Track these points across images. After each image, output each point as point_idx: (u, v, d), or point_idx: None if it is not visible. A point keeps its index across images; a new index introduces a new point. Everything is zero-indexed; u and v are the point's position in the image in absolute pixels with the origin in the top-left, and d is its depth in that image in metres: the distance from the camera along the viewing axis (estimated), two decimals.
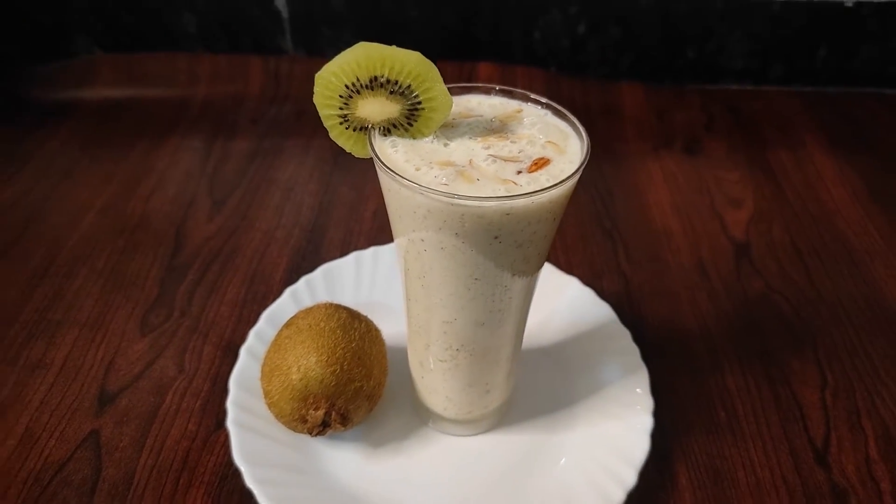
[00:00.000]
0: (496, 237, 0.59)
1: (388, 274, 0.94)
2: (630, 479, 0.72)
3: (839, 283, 1.00)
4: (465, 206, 0.56)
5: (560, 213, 0.64)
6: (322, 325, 0.75)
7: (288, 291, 0.90)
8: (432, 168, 0.59)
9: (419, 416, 0.81)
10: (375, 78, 0.59)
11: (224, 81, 1.38)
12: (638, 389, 0.80)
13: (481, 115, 0.67)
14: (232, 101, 1.34)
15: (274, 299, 0.91)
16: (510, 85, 0.69)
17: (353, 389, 0.73)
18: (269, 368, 0.75)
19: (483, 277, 0.63)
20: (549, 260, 1.00)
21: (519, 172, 0.59)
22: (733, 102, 1.39)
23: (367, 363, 0.75)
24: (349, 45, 0.58)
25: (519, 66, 1.40)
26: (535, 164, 0.60)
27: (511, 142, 0.63)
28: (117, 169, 1.18)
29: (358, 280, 0.94)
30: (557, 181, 0.58)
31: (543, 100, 0.67)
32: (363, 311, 0.81)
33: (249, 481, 0.70)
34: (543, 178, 0.59)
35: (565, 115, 0.66)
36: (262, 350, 0.82)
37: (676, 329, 0.92)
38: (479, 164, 0.60)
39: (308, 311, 0.78)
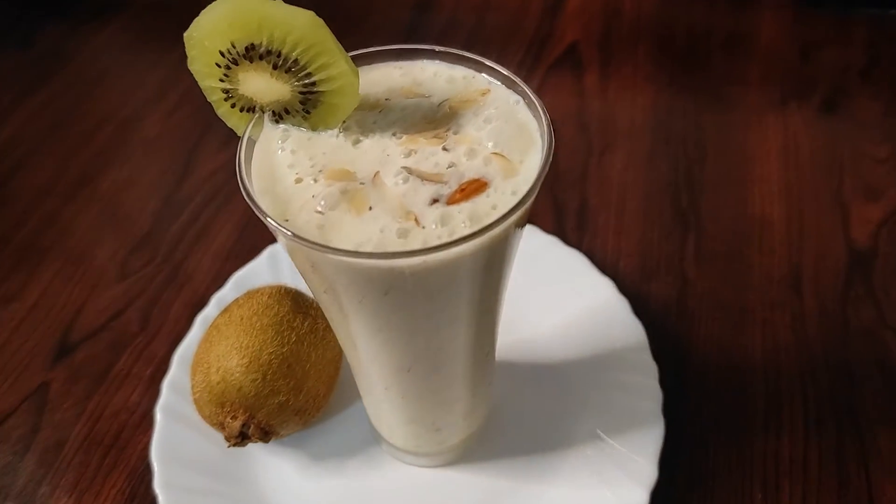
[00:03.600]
0: (386, 293, 0.43)
1: None
2: None
3: None
4: (332, 257, 0.39)
5: (503, 261, 0.45)
6: (254, 319, 0.63)
7: (267, 252, 0.78)
8: (317, 181, 0.43)
9: (372, 434, 0.68)
10: (253, 46, 0.42)
11: None
12: (640, 458, 0.61)
13: (429, 96, 0.48)
14: None
15: (255, 257, 0.79)
16: None
17: (277, 404, 0.61)
18: (196, 360, 0.64)
19: (389, 329, 0.47)
20: (587, 240, 0.80)
21: (434, 202, 0.41)
22: None
23: (297, 374, 0.62)
24: None
25: None
26: (463, 190, 0.42)
27: (445, 147, 0.44)
28: (149, 77, 1.09)
29: None
30: (476, 228, 0.39)
31: (520, 82, 0.47)
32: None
33: (158, 484, 0.62)
34: (461, 217, 0.41)
35: (538, 110, 0.45)
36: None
37: (731, 363, 0.71)
38: (384, 181, 0.42)
39: (251, 295, 0.66)
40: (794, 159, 0.89)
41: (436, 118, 0.46)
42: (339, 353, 0.66)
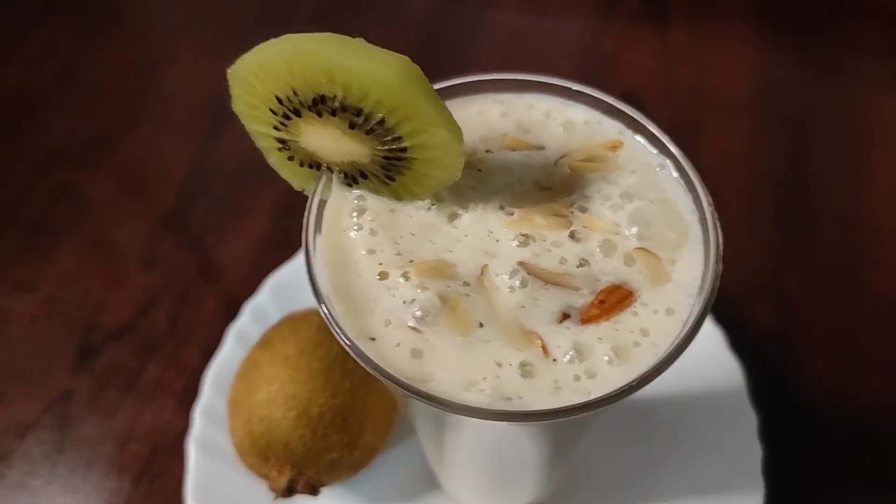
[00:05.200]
0: (494, 440, 0.33)
1: None
2: None
3: None
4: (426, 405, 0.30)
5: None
6: (301, 361, 0.54)
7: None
8: (408, 278, 0.33)
9: (429, 478, 0.61)
10: (323, 98, 0.31)
11: None
12: None
13: (542, 148, 0.37)
14: None
15: (292, 253, 0.70)
16: None
17: (328, 461, 0.53)
18: (235, 401, 0.56)
19: (483, 456, 0.38)
20: None
21: (564, 318, 0.31)
22: None
23: (352, 428, 0.54)
24: None
25: None
26: (601, 302, 0.32)
27: (571, 235, 0.33)
28: (168, 10, 0.95)
29: None
30: (625, 370, 0.29)
31: (664, 137, 0.36)
32: None
33: None
34: (602, 349, 0.31)
35: (693, 182, 0.34)
36: (255, 338, 0.63)
37: (841, 410, 0.62)
38: (494, 283, 0.32)
39: (295, 325, 0.57)
40: None
41: (553, 182, 0.35)
42: (391, 398, 0.58)
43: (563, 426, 0.33)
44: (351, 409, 0.54)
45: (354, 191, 0.35)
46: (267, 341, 0.57)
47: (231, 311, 0.69)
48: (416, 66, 0.30)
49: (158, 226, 0.77)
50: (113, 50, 0.92)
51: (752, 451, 0.57)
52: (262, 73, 0.32)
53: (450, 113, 0.30)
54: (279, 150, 0.36)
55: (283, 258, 0.72)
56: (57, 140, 0.84)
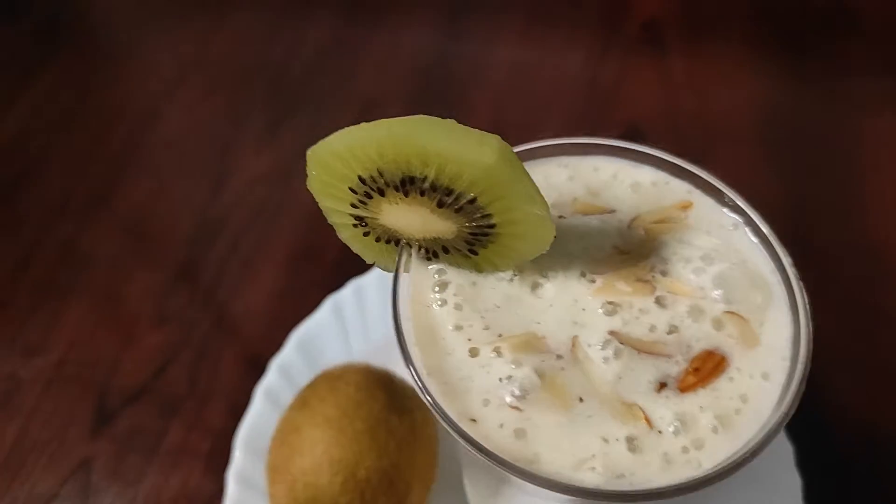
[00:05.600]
0: None
1: None
2: None
3: None
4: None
5: None
6: (344, 422, 0.53)
7: (329, 305, 0.67)
8: (500, 353, 0.32)
9: None
10: (412, 179, 0.31)
11: None
12: None
13: (613, 211, 0.37)
14: None
15: (317, 302, 0.69)
16: None
17: None
18: (274, 466, 0.55)
19: None
20: None
21: (661, 387, 0.31)
22: None
23: (399, 489, 0.53)
24: None
25: None
26: (696, 370, 0.32)
27: (657, 301, 0.33)
28: (164, 56, 0.93)
29: None
30: (730, 438, 0.30)
31: (734, 195, 0.36)
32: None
33: None
34: (705, 418, 0.31)
35: (768, 240, 0.35)
36: (285, 396, 0.62)
37: (872, 442, 0.63)
38: (588, 353, 0.32)
39: (333, 384, 0.56)
40: None
41: (629, 246, 0.35)
42: (436, 445, 0.57)
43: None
44: (397, 469, 0.53)
45: (434, 265, 0.35)
46: (304, 402, 0.56)
47: (253, 367, 0.67)
48: (508, 145, 0.30)
49: (170, 280, 0.75)
50: (111, 98, 0.90)
51: (792, 482, 0.57)
52: (347, 156, 0.31)
53: (538, 190, 0.30)
54: (353, 226, 0.35)
55: (301, 309, 0.71)
56: (59, 194, 0.82)
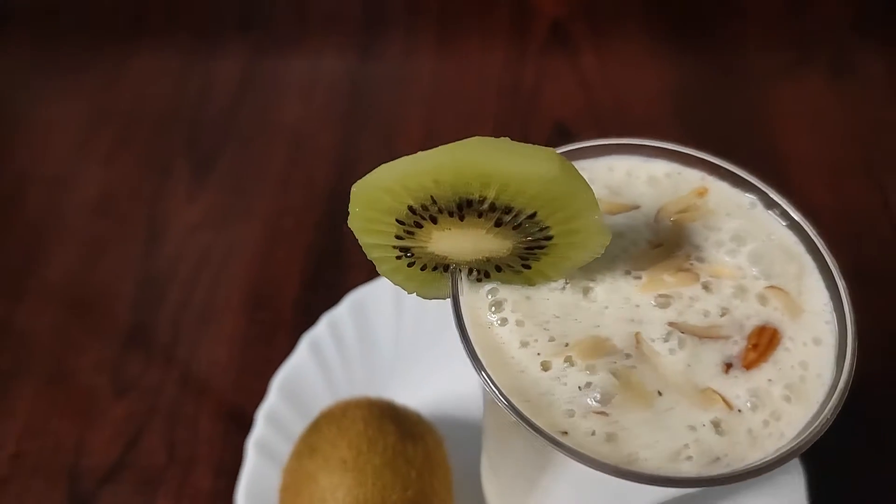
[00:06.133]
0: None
1: (442, 313, 0.69)
2: None
3: None
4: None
5: None
6: (361, 460, 0.52)
7: (305, 344, 0.65)
8: (572, 363, 0.33)
9: None
10: (469, 203, 0.31)
11: None
12: None
13: (637, 207, 0.38)
14: None
15: (287, 343, 0.66)
16: None
17: None
18: None
19: None
20: None
21: (728, 368, 0.33)
22: None
23: None
24: None
25: None
26: (755, 346, 0.33)
27: (703, 287, 0.35)
28: (69, 112, 0.87)
29: (398, 321, 0.68)
30: (800, 402, 0.31)
31: (746, 175, 0.38)
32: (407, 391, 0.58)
33: None
34: (777, 388, 0.32)
35: (786, 211, 0.37)
36: (280, 447, 0.60)
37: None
38: (652, 350, 0.33)
39: (338, 424, 0.54)
40: (819, 133, 0.86)
41: (662, 239, 0.37)
42: (449, 467, 0.57)
43: None
44: (423, 496, 0.52)
45: (486, 285, 0.35)
46: (313, 448, 0.54)
47: (235, 422, 0.65)
48: (563, 157, 0.30)
49: (122, 346, 0.70)
50: (18, 164, 0.83)
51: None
52: (398, 188, 0.31)
53: (595, 196, 0.31)
54: (397, 258, 0.34)
55: (270, 353, 0.69)
56: None
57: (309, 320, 0.67)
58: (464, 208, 0.31)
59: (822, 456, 0.59)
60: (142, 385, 0.68)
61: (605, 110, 0.88)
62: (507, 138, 0.30)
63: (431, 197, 0.31)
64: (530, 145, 0.30)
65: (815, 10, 0.98)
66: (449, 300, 0.34)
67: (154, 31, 0.94)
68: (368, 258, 0.35)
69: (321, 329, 0.66)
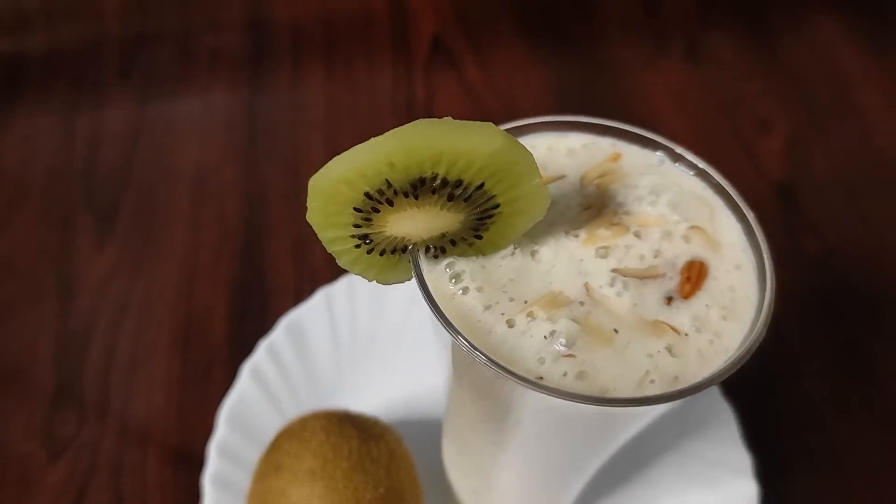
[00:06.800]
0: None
1: (371, 320, 0.70)
2: None
3: None
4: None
5: None
6: (329, 467, 0.52)
7: (247, 372, 0.65)
8: (534, 317, 0.35)
9: None
10: (422, 181, 0.33)
11: (68, 19, 0.99)
12: None
13: (563, 177, 0.42)
14: (85, 47, 0.97)
15: (224, 377, 0.66)
16: None
17: None
18: None
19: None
20: None
21: (669, 301, 0.37)
22: None
23: None
24: None
25: None
26: (689, 279, 0.38)
27: (635, 235, 0.39)
28: None
29: (335, 337, 0.69)
30: (733, 320, 0.36)
31: (653, 136, 0.43)
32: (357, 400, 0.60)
33: None
34: (714, 311, 0.37)
35: (691, 164, 0.42)
36: (236, 477, 0.59)
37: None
38: (601, 294, 0.36)
39: (299, 438, 0.55)
40: (687, 109, 0.94)
41: (591, 201, 0.41)
42: (412, 462, 0.58)
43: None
44: (394, 492, 0.53)
45: (442, 261, 0.37)
46: (277, 466, 0.54)
47: (184, 462, 0.64)
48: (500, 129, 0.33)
49: (49, 408, 0.68)
50: None
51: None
52: (354, 177, 0.33)
53: (536, 163, 0.34)
54: (357, 246, 0.36)
55: (208, 388, 0.69)
56: None
57: (244, 350, 0.67)
58: (418, 188, 0.34)
59: (747, 392, 0.66)
60: (77, 444, 0.65)
61: (495, 112, 0.93)
62: (449, 118, 0.33)
63: (387, 181, 0.33)
64: (472, 122, 0.33)
65: (667, 4, 1.07)
66: (413, 280, 0.37)
67: (33, 87, 0.91)
68: (328, 251, 0.36)
69: (260, 356, 0.66)
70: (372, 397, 0.65)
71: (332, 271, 0.73)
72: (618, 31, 1.04)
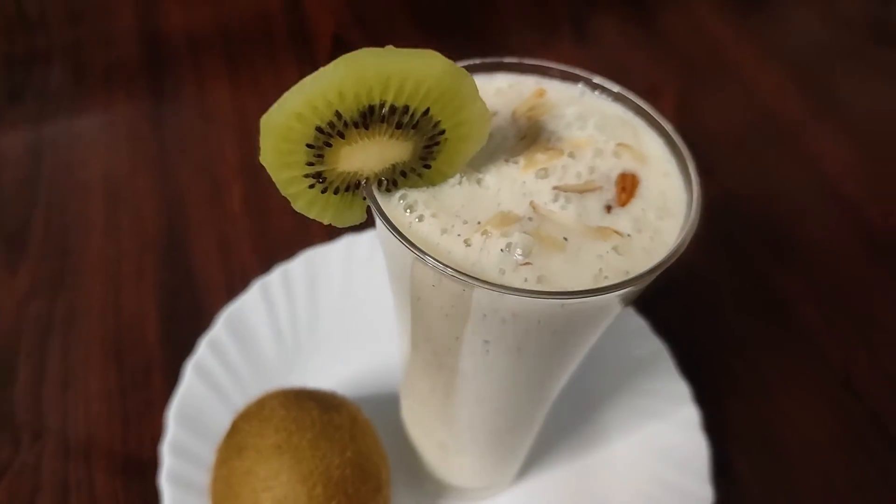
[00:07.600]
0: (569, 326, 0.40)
1: (309, 304, 0.71)
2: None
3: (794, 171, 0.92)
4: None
5: None
6: (294, 439, 0.52)
7: (190, 371, 0.64)
8: (489, 234, 0.37)
9: (424, 490, 0.63)
10: (371, 109, 0.35)
11: None
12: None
13: (496, 113, 0.44)
14: None
15: (163, 380, 0.65)
16: None
17: None
18: None
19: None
20: None
21: (609, 209, 0.40)
22: None
23: (372, 471, 0.54)
24: None
25: None
26: (624, 189, 0.40)
27: (570, 156, 0.42)
28: None
29: (276, 324, 0.69)
30: (666, 218, 0.39)
31: (573, 70, 0.46)
32: (308, 383, 0.60)
33: None
34: (650, 214, 0.40)
35: (608, 90, 0.45)
36: (193, 474, 0.58)
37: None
38: (547, 209, 0.39)
39: (258, 419, 0.55)
40: None
41: (525, 132, 0.43)
42: (373, 428, 0.59)
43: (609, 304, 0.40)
44: (361, 455, 0.54)
45: (395, 193, 0.39)
46: (239, 448, 0.53)
47: (133, 469, 0.63)
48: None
49: None
50: None
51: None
52: (306, 111, 0.34)
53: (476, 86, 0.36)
54: (311, 187, 0.37)
55: (151, 394, 0.67)
56: None
57: (181, 352, 0.66)
58: (367, 117, 0.35)
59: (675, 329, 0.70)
60: (15, 467, 0.62)
61: None
62: (391, 46, 0.34)
63: (337, 112, 0.34)
64: (413, 49, 0.34)
65: None
66: (371, 214, 0.38)
67: None
68: (283, 194, 0.37)
69: (202, 352, 0.65)
70: (323, 378, 0.65)
71: (263, 265, 0.73)
72: (511, 22, 1.09)
